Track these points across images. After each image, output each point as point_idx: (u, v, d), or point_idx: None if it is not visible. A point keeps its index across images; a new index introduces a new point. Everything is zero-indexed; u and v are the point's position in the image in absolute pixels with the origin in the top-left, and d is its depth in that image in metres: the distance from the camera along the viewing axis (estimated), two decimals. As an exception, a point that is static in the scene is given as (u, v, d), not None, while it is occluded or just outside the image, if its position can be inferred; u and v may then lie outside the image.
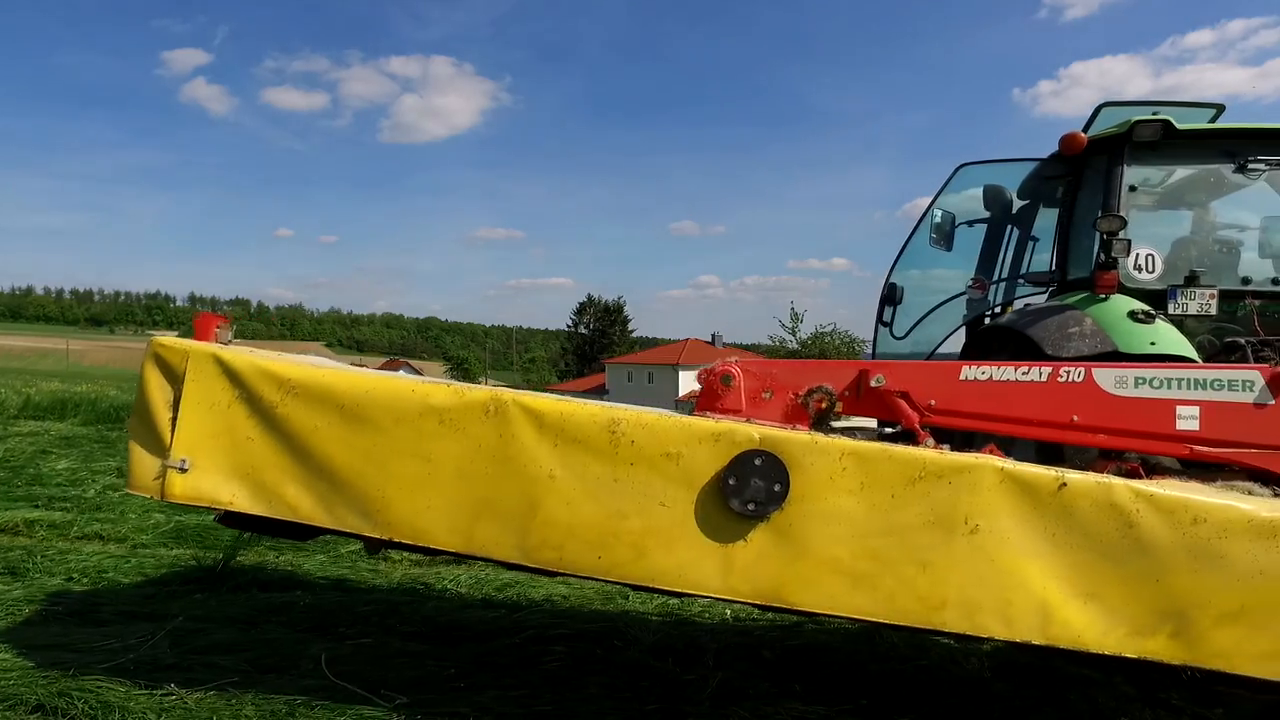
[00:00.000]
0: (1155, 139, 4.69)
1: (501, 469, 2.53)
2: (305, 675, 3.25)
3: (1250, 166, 4.74)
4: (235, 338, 2.99)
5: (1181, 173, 5.01)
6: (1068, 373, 2.95)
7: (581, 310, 70.21)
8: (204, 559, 5.17)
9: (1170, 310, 4.25)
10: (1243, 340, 4.32)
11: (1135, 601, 2.39)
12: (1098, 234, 4.52)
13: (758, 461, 2.43)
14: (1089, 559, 2.40)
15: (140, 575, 4.96)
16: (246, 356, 2.69)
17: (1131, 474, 2.98)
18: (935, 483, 2.43)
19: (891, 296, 5.90)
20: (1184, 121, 5.01)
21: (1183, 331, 4.64)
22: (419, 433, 2.56)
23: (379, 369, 3.23)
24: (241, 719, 2.84)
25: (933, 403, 2.97)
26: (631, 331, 74.49)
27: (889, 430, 3.18)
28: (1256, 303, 4.61)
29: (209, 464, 2.63)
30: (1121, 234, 4.71)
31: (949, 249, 6.01)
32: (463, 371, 78.86)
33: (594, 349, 75.10)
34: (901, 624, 2.46)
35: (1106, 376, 2.94)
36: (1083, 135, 4.93)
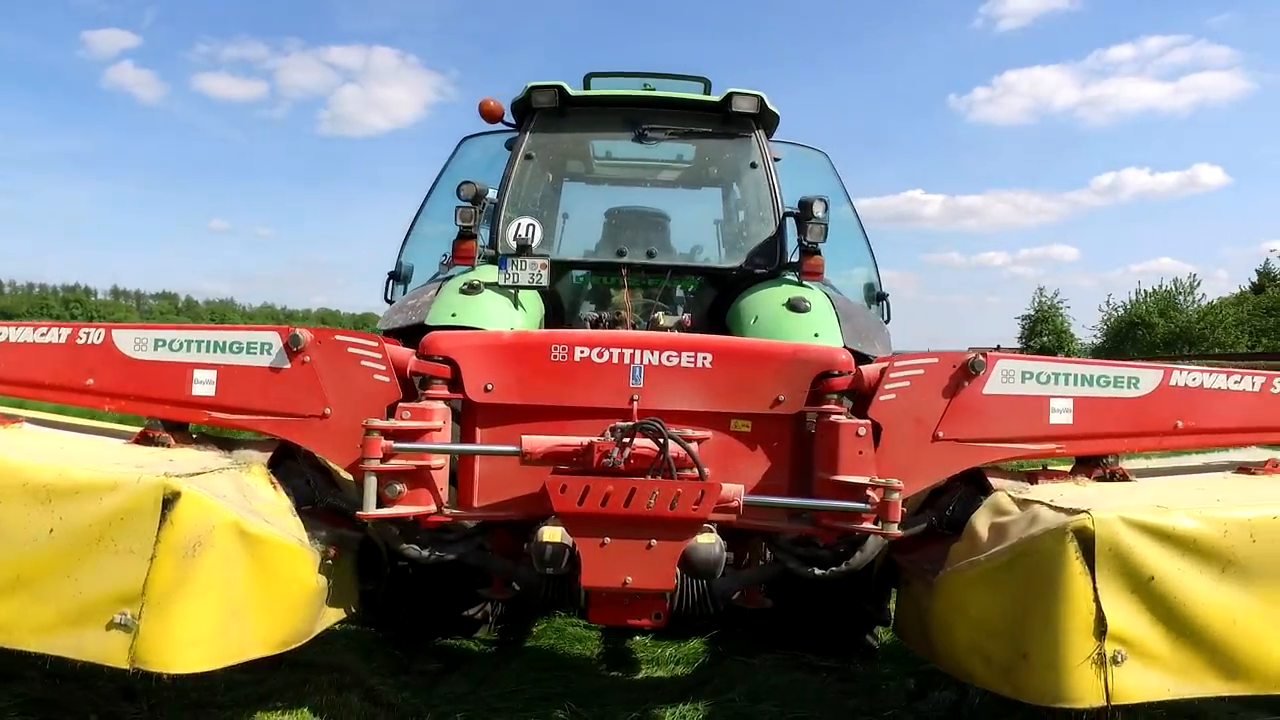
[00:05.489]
0: (554, 105, 4.58)
1: None
2: None
3: (650, 135, 4.64)
4: None
5: (585, 141, 4.91)
6: (88, 334, 2.84)
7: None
8: None
9: (502, 281, 4.12)
10: (592, 316, 4.24)
11: None
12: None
13: None
14: None
15: None
16: None
17: (154, 441, 2.86)
18: None
19: (397, 275, 5.75)
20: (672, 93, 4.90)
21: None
22: None
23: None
24: None
25: None
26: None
27: None
28: (666, 278, 4.54)
29: None
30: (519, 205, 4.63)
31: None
32: None
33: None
34: None
35: (126, 338, 2.82)
36: (494, 101, 4.80)
